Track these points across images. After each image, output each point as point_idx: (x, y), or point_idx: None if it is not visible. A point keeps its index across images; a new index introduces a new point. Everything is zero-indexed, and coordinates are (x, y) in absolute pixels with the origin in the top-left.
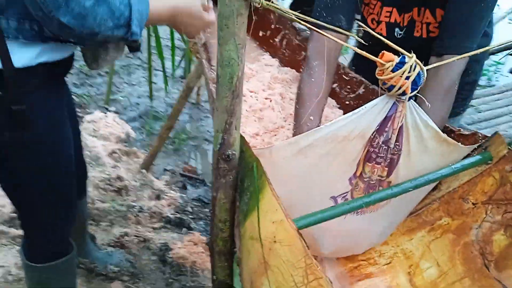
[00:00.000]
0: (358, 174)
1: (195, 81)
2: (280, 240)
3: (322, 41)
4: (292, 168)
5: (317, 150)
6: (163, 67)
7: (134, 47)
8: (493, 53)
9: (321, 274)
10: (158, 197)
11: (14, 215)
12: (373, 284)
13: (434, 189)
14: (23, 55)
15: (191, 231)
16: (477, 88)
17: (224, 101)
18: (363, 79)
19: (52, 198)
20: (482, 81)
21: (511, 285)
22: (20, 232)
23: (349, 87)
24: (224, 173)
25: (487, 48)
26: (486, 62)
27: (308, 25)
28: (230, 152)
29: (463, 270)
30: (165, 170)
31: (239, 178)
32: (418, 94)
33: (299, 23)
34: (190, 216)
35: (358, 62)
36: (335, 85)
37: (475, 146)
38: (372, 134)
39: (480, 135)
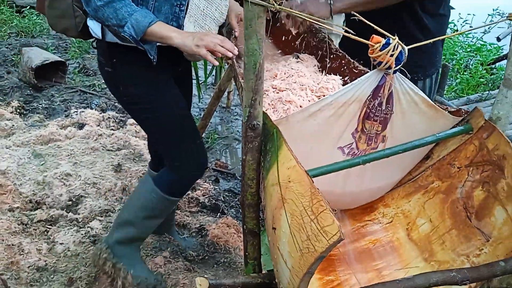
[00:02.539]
0: (359, 129)
1: (226, 84)
2: (293, 179)
3: None
4: (305, 129)
5: (324, 113)
6: (197, 75)
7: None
8: None
9: (321, 198)
10: (194, 189)
11: (70, 202)
12: (376, 239)
13: (427, 158)
14: (111, 34)
15: (224, 215)
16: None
17: (249, 82)
18: (367, 70)
19: (171, 141)
20: None
21: (488, 230)
22: (76, 216)
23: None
24: (251, 140)
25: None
26: None
27: (313, 21)
28: (255, 122)
29: (451, 223)
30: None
31: (262, 143)
32: (402, 68)
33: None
34: (223, 204)
35: (347, 43)
36: (346, 78)
37: (460, 118)
38: (367, 98)
39: (463, 110)
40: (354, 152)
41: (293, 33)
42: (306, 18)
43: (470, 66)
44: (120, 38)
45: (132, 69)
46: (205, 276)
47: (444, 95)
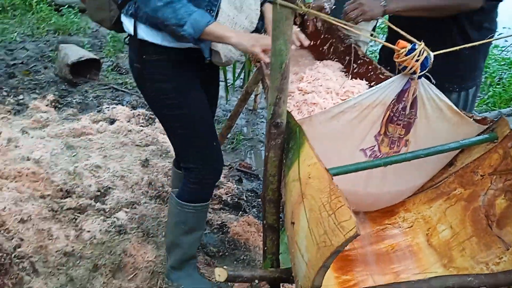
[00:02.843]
0: (382, 132)
1: (253, 87)
2: (313, 176)
3: None
4: (328, 130)
5: (347, 115)
6: (225, 77)
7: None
8: None
9: (340, 194)
10: (217, 187)
11: (98, 193)
12: (396, 243)
13: (450, 165)
14: (147, 34)
15: (245, 214)
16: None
17: (275, 82)
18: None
19: (191, 141)
20: None
21: (508, 239)
22: (104, 206)
23: None
24: (274, 137)
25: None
26: None
27: (343, 25)
28: (279, 120)
29: (472, 230)
30: (224, 165)
31: (285, 142)
32: (428, 74)
33: (336, 25)
34: (245, 203)
35: (383, 53)
36: (373, 83)
37: (485, 127)
38: (391, 102)
39: (489, 119)
40: (376, 155)
41: (311, 30)
42: (334, 23)
43: (504, 80)
44: (177, 38)
45: (161, 66)
46: (225, 267)
47: (475, 108)
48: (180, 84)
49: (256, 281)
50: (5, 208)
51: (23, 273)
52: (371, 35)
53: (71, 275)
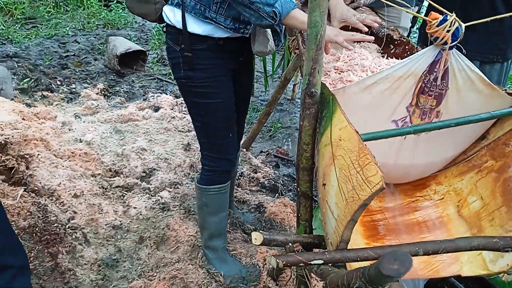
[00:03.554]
0: (413, 103)
1: (292, 74)
2: (343, 138)
3: None
4: (360, 101)
5: (379, 87)
6: (265, 68)
7: (276, 31)
8: None
9: (368, 151)
10: (255, 171)
11: (144, 174)
12: (426, 214)
13: (482, 138)
14: (193, 25)
15: (282, 196)
16: None
17: (310, 52)
18: None
19: (210, 130)
20: None
21: None
22: (149, 185)
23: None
24: (309, 106)
25: None
26: None
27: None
28: (313, 90)
29: (501, 201)
30: (261, 151)
31: (319, 111)
32: (459, 45)
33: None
34: (282, 186)
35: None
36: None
37: None
38: (423, 73)
39: None
40: (407, 126)
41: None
42: None
43: None
44: (258, 19)
45: (200, 55)
46: (260, 231)
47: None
48: (214, 74)
49: (290, 244)
50: (60, 183)
51: (76, 242)
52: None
53: (119, 246)
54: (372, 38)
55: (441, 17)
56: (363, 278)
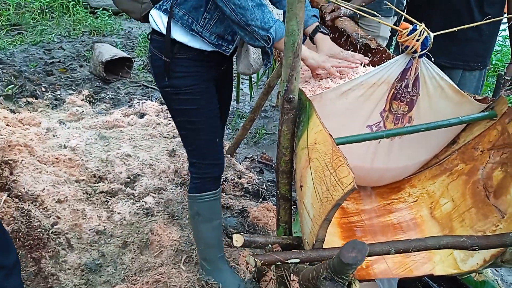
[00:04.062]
0: (387, 108)
1: (275, 81)
2: (319, 141)
3: None
4: (337, 106)
5: (354, 93)
6: (250, 76)
7: (267, 52)
8: None
9: (341, 154)
10: (239, 177)
11: (128, 179)
12: (401, 216)
13: (453, 143)
14: (179, 34)
15: (265, 201)
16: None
17: (288, 60)
18: None
19: (198, 137)
20: None
21: (503, 208)
22: (133, 191)
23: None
24: (287, 111)
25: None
26: None
27: (356, 11)
28: (291, 96)
29: (471, 202)
30: (246, 157)
31: (297, 116)
32: (428, 53)
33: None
34: (266, 191)
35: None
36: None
37: (485, 106)
38: (395, 80)
39: (489, 98)
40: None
41: (328, 24)
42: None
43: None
44: (251, 39)
45: (184, 63)
46: (241, 233)
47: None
48: (199, 80)
49: (269, 245)
50: (44, 189)
51: (59, 247)
52: (376, 17)
53: (103, 251)
54: (357, 66)
55: (411, 27)
56: (329, 269)
